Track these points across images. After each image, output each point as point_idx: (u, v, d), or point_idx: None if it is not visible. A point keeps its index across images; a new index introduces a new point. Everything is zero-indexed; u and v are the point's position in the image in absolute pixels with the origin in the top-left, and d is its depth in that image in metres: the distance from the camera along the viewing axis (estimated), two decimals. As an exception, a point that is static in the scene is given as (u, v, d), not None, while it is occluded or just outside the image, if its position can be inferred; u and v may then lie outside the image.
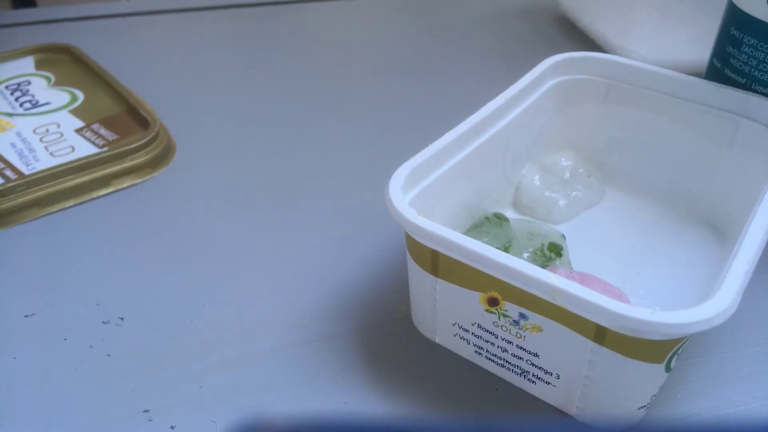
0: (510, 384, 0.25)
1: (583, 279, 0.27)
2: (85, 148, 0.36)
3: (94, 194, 0.34)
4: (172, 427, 0.23)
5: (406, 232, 0.23)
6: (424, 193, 0.25)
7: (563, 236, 0.29)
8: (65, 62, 0.44)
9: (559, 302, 0.20)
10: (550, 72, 0.31)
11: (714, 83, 0.30)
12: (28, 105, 0.40)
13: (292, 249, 0.31)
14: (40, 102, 0.40)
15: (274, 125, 0.40)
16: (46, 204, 0.33)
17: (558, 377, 0.23)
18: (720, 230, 0.30)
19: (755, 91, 0.29)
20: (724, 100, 0.29)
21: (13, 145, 0.36)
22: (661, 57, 0.40)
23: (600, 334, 0.21)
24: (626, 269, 0.29)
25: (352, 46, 0.49)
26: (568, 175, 0.32)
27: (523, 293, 0.21)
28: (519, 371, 0.24)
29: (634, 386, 0.22)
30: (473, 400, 0.24)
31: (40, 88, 0.41)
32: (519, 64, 0.33)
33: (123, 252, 0.31)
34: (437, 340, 0.26)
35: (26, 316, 0.27)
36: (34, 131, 0.37)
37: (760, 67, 0.28)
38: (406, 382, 0.25)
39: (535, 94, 0.31)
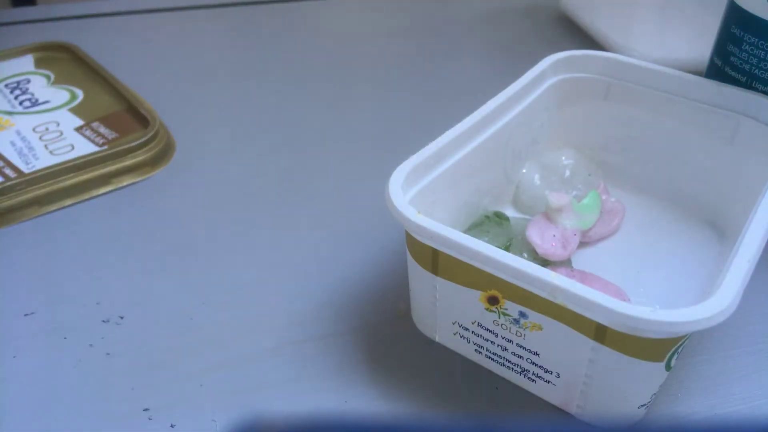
0: (510, 383, 0.25)
1: (583, 278, 0.27)
2: (84, 147, 0.36)
3: (94, 193, 0.34)
4: (172, 426, 0.23)
5: (406, 231, 0.23)
6: (425, 192, 0.25)
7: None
8: (65, 60, 0.44)
9: (559, 301, 0.20)
10: (550, 70, 0.31)
11: (714, 81, 0.30)
12: (27, 103, 0.40)
13: (291, 247, 0.31)
14: (40, 100, 0.40)
15: (274, 124, 0.40)
16: (46, 202, 0.33)
17: (558, 376, 0.23)
18: (720, 228, 0.30)
19: (756, 90, 0.29)
20: (725, 99, 0.29)
21: (12, 143, 0.36)
22: (662, 55, 0.40)
23: (600, 333, 0.21)
24: (626, 268, 0.29)
25: (352, 44, 0.49)
26: (568, 173, 0.32)
27: (524, 292, 0.21)
28: (519, 370, 0.24)
29: (635, 385, 0.22)
30: (473, 398, 0.24)
31: (40, 86, 0.41)
32: (519, 63, 0.33)
33: (123, 250, 0.31)
34: (437, 339, 0.26)
35: (26, 315, 0.27)
36: (34, 130, 0.37)
37: (760, 66, 0.28)
38: (406, 381, 0.25)
39: (535, 92, 0.30)
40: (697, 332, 0.22)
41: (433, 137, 0.26)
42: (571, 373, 0.23)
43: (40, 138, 0.37)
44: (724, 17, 0.30)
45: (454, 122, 0.27)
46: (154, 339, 0.27)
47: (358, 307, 0.28)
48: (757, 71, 0.29)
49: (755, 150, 0.28)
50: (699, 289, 0.27)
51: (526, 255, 0.28)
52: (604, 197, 0.31)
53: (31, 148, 0.36)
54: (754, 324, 0.27)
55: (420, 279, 0.25)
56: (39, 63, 0.44)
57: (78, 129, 0.37)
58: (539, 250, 0.27)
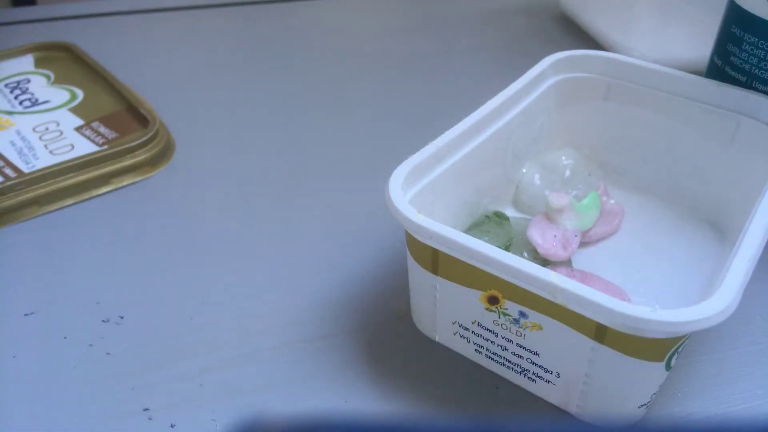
0: (510, 382, 0.25)
1: (584, 277, 0.27)
2: (84, 147, 0.36)
3: (94, 192, 0.34)
4: (172, 426, 0.23)
5: (406, 231, 0.23)
6: (425, 192, 0.25)
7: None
8: (65, 60, 0.44)
9: (559, 301, 0.20)
10: (550, 70, 0.31)
11: (714, 81, 0.30)
12: (27, 103, 0.40)
13: (291, 247, 0.31)
14: (40, 100, 0.40)
15: (274, 123, 0.40)
16: (46, 202, 0.33)
17: (558, 376, 0.23)
18: (720, 228, 0.30)
19: (756, 89, 0.29)
20: (725, 98, 0.29)
21: (12, 143, 0.36)
22: (662, 55, 0.40)
23: (600, 333, 0.21)
24: (626, 268, 0.29)
25: (352, 43, 0.49)
26: (568, 173, 0.32)
27: (524, 292, 0.21)
28: (519, 370, 0.24)
29: (635, 385, 0.22)
30: (473, 398, 0.24)
31: (40, 86, 0.41)
32: (519, 62, 0.33)
33: (123, 250, 0.31)
34: (437, 339, 0.26)
35: (26, 315, 0.27)
36: (34, 129, 0.37)
37: (760, 65, 0.28)
38: (407, 381, 0.25)
39: (535, 92, 0.30)
40: (697, 332, 0.22)
41: (433, 137, 0.26)
42: (571, 373, 0.23)
43: (40, 138, 0.37)
44: (724, 17, 0.30)
45: (454, 122, 0.27)
46: (154, 339, 0.27)
47: (358, 307, 0.28)
48: (757, 71, 0.29)
49: (755, 150, 0.28)
50: (699, 289, 0.27)
51: (526, 255, 0.28)
52: (603, 199, 0.31)
53: (31, 148, 0.36)
54: (754, 324, 0.27)
55: (420, 279, 0.25)
56: (39, 63, 0.44)
57: (78, 129, 0.37)
58: (540, 250, 0.27)
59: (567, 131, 0.33)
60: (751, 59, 0.29)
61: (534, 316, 0.22)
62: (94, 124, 0.38)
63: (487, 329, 0.24)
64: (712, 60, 0.31)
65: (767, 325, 0.27)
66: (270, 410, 0.24)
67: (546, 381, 0.23)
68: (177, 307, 0.28)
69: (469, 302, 0.23)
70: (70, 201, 0.33)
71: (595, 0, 0.50)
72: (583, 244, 0.30)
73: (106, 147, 0.36)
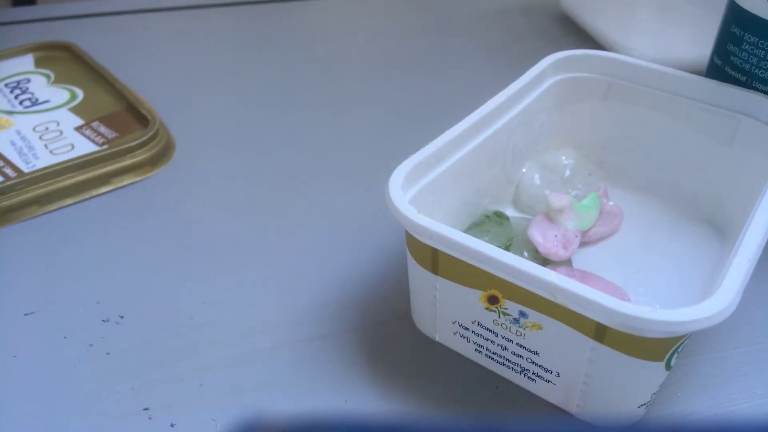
0: (510, 382, 0.25)
1: (584, 277, 0.27)
2: (84, 146, 0.36)
3: (94, 192, 0.34)
4: (172, 425, 0.23)
5: (406, 231, 0.23)
6: (425, 191, 0.25)
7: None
8: (65, 60, 0.44)
9: (559, 300, 0.20)
10: (550, 70, 0.31)
11: (714, 81, 0.30)
12: (27, 103, 0.40)
13: (292, 247, 0.31)
14: (40, 100, 0.40)
15: (274, 123, 0.40)
16: (46, 202, 0.33)
17: (558, 375, 0.23)
18: (720, 228, 0.30)
19: (756, 89, 0.29)
20: (725, 98, 0.29)
21: (12, 143, 0.36)
22: (662, 55, 0.40)
23: (600, 333, 0.21)
24: (626, 267, 0.29)
25: (352, 43, 0.49)
26: (568, 173, 0.32)
27: (524, 291, 0.21)
28: (519, 369, 0.24)
29: (635, 384, 0.22)
30: (473, 398, 0.24)
31: (40, 85, 0.41)
32: (519, 62, 0.33)
33: (123, 250, 0.31)
34: (437, 339, 0.26)
35: (26, 315, 0.27)
36: (34, 129, 0.37)
37: (760, 65, 0.28)
38: (407, 381, 0.25)
39: (535, 91, 0.30)
40: (697, 332, 0.22)
41: (433, 137, 0.26)
42: (571, 373, 0.23)
43: (40, 137, 0.37)
44: (724, 17, 0.30)
45: (454, 122, 0.27)
46: (154, 338, 0.27)
47: (359, 306, 0.28)
48: (757, 71, 0.29)
49: (755, 149, 0.28)
50: (699, 289, 0.27)
51: (526, 255, 0.28)
52: (603, 201, 0.31)
53: (31, 148, 0.36)
54: (754, 323, 0.27)
55: (420, 279, 0.25)
56: (39, 62, 0.44)
57: (78, 128, 0.37)
58: (541, 249, 0.27)
59: (567, 131, 0.33)
60: (751, 59, 0.29)
61: (534, 316, 0.22)
62: (94, 124, 0.38)
63: (487, 329, 0.24)
64: (712, 60, 0.31)
65: (767, 324, 0.27)
66: (270, 410, 0.24)
67: (546, 381, 0.23)
68: (177, 307, 0.28)
69: (469, 302, 0.23)
70: (70, 201, 0.33)
71: (595, 0, 0.50)
72: (583, 244, 0.30)
73: (106, 147, 0.36)
